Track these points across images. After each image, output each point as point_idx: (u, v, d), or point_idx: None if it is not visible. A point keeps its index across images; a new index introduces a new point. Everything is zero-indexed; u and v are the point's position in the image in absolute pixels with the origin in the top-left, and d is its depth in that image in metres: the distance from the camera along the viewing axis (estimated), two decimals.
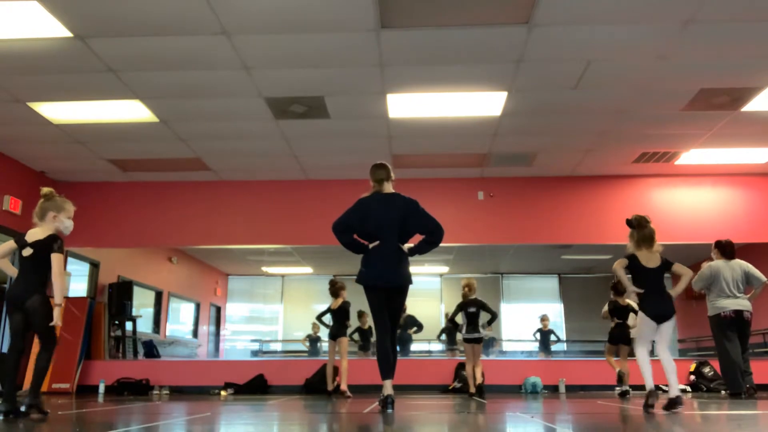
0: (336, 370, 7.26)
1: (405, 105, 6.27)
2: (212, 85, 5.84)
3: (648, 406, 4.09)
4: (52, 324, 3.87)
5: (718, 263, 6.29)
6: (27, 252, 3.92)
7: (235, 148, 7.53)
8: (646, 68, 5.49)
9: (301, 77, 5.68)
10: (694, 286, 6.41)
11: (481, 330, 6.87)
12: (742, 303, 6.14)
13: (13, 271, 4.06)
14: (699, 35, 4.92)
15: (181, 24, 4.76)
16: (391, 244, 4.37)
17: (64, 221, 4.07)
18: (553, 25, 4.79)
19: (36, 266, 3.92)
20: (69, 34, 4.88)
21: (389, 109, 6.34)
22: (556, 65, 5.46)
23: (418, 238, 4.54)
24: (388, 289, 4.39)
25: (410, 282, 4.46)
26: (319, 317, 7.93)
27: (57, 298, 3.90)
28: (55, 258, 3.90)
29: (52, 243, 3.94)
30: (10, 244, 4.04)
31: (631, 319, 7.13)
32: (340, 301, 7.30)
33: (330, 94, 6.04)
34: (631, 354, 7.10)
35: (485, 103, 6.24)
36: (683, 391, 7.67)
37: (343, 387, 7.04)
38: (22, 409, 3.74)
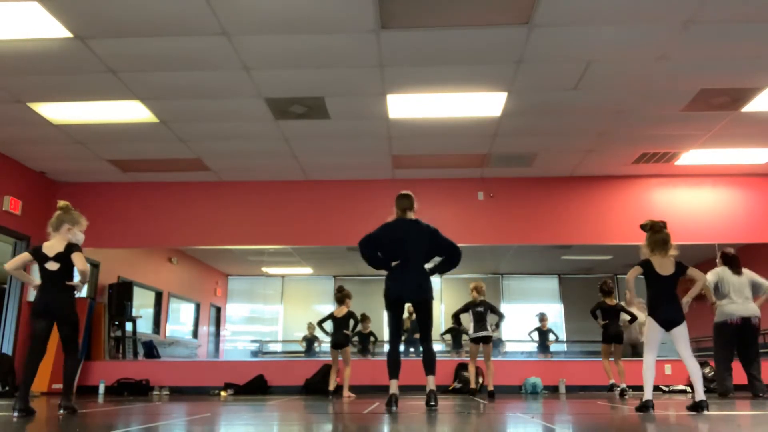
0: (337, 372, 7.28)
1: (405, 105, 6.27)
2: (212, 86, 5.84)
3: (642, 411, 4.09)
4: (78, 333, 4.29)
5: (722, 269, 6.27)
6: (53, 266, 4.20)
7: (235, 149, 7.53)
8: (646, 68, 5.49)
9: (301, 78, 5.68)
10: (707, 296, 6.32)
11: (489, 328, 6.79)
12: (750, 308, 6.10)
13: (28, 279, 4.40)
14: (699, 35, 4.92)
15: (181, 24, 4.76)
16: (413, 263, 4.71)
17: (77, 234, 4.36)
18: (553, 25, 4.79)
19: (63, 278, 4.21)
20: (69, 35, 4.88)
21: (389, 109, 6.34)
22: (556, 66, 5.46)
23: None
24: (410, 302, 4.76)
25: (431, 297, 4.73)
26: (320, 323, 7.63)
27: (80, 280, 4.23)
28: (77, 255, 4.19)
29: (72, 249, 4.23)
30: (26, 256, 4.30)
31: (622, 319, 7.16)
32: (344, 309, 7.25)
33: (330, 94, 6.04)
34: (625, 354, 7.15)
35: (485, 104, 6.24)
36: (683, 391, 7.68)
37: (346, 393, 7.04)
38: (61, 412, 4.03)
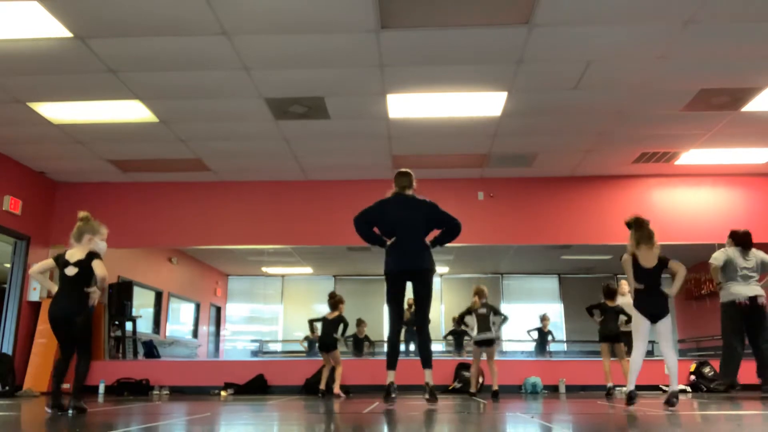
0: (332, 370, 7.28)
1: (405, 105, 6.27)
2: (212, 86, 5.83)
3: (629, 403, 4.19)
4: (90, 335, 4.49)
5: (731, 249, 6.13)
6: (71, 271, 4.30)
7: (235, 149, 7.53)
8: (646, 68, 5.50)
9: (301, 78, 5.68)
10: (713, 276, 6.21)
11: (492, 330, 6.77)
12: (756, 289, 6.00)
13: (49, 285, 4.48)
14: (699, 35, 4.92)
15: (181, 24, 4.76)
16: (410, 238, 4.63)
17: (99, 243, 4.47)
18: (553, 25, 4.79)
19: (80, 284, 4.31)
20: (69, 35, 4.89)
21: (389, 109, 6.34)
22: (556, 65, 5.46)
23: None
24: (408, 276, 4.62)
25: (431, 269, 4.64)
26: (312, 321, 7.84)
27: (99, 285, 4.36)
28: (97, 263, 4.29)
29: (93, 257, 4.34)
30: (50, 262, 4.42)
31: (620, 320, 7.15)
32: (336, 313, 7.32)
33: (330, 94, 6.04)
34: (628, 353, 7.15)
35: (485, 104, 6.24)
36: (683, 391, 7.68)
37: (336, 390, 7.07)
38: (70, 412, 4.13)
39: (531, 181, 8.62)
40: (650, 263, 4.47)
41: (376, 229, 4.77)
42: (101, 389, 7.80)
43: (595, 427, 3.25)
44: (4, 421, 3.78)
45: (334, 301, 7.40)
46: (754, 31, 4.88)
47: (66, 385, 4.39)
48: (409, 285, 4.73)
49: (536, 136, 7.15)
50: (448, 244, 4.90)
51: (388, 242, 4.66)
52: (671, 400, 4.23)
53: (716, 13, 4.60)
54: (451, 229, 4.75)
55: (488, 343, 6.71)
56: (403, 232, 4.63)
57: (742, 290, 6.01)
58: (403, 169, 4.87)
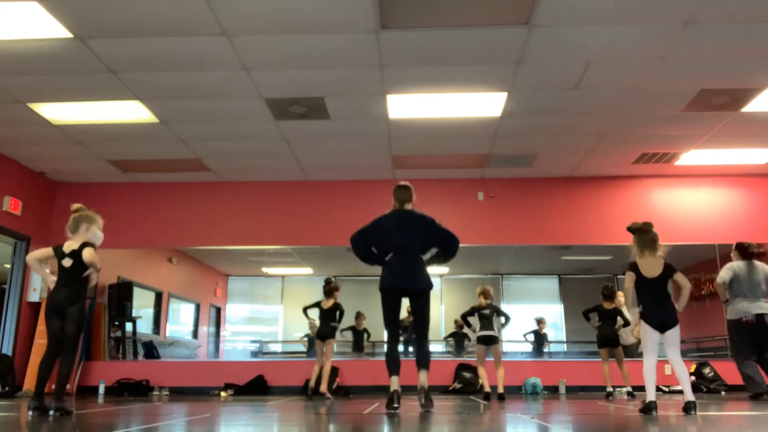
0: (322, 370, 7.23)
1: (405, 105, 6.27)
2: (212, 86, 5.83)
3: (645, 413, 4.07)
4: (80, 334, 4.38)
5: (738, 264, 6.08)
6: (67, 263, 4.33)
7: (235, 149, 7.53)
8: (647, 69, 5.49)
9: (301, 78, 5.68)
10: (720, 293, 6.14)
11: (495, 329, 6.78)
12: (764, 306, 5.92)
13: (45, 274, 4.48)
14: (699, 35, 4.92)
15: (181, 25, 4.76)
16: (409, 254, 4.58)
17: (96, 232, 4.49)
18: (553, 25, 4.79)
19: (76, 274, 4.33)
20: (69, 35, 4.89)
21: (389, 109, 6.34)
22: (556, 66, 5.46)
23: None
24: (404, 293, 4.58)
25: (429, 285, 4.60)
26: (306, 308, 7.58)
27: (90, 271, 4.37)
28: (86, 249, 4.30)
29: (85, 246, 4.35)
30: (48, 250, 4.43)
31: (617, 323, 7.15)
32: (331, 301, 7.26)
33: (330, 94, 6.04)
34: (626, 355, 7.15)
35: (485, 104, 6.24)
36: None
37: (323, 389, 6.95)
38: (51, 413, 4.07)
39: (531, 181, 8.62)
40: (654, 272, 4.27)
41: (374, 248, 4.71)
42: (101, 390, 7.80)
43: (595, 427, 3.25)
44: (4, 421, 3.78)
45: (330, 288, 7.26)
46: (754, 31, 4.88)
47: (57, 385, 4.37)
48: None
49: (536, 137, 7.15)
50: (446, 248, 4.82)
51: (387, 259, 4.60)
52: (689, 410, 4.00)
53: (716, 13, 4.60)
54: (450, 248, 4.69)
55: (491, 341, 6.71)
56: (401, 250, 4.57)
57: (749, 307, 5.93)
58: (403, 183, 4.80)
